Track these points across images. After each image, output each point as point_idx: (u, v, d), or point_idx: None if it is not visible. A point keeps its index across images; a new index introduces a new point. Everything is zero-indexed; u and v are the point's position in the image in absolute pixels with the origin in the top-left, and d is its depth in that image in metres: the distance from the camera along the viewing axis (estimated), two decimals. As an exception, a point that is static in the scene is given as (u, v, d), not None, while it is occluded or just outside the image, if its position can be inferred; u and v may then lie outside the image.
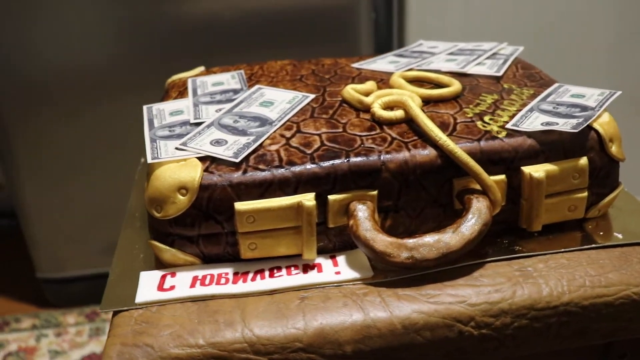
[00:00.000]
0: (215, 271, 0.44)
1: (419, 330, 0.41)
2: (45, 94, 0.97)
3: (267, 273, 0.44)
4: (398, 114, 0.48)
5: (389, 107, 0.49)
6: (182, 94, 0.56)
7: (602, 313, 0.42)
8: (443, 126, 0.47)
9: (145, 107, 0.53)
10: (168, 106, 0.53)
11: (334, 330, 0.40)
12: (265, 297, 0.43)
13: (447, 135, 0.46)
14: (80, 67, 0.96)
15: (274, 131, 0.47)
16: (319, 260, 0.45)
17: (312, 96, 0.52)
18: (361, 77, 0.57)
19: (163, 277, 0.44)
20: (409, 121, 0.48)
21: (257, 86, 0.54)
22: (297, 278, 0.43)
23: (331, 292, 0.43)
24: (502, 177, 0.45)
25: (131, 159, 0.90)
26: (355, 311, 0.41)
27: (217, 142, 0.46)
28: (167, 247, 0.44)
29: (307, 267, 0.44)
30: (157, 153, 0.45)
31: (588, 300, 0.42)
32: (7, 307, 1.12)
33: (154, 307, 0.42)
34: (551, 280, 0.43)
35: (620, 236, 0.46)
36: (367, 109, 0.49)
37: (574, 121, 0.46)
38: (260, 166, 0.43)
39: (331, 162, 0.43)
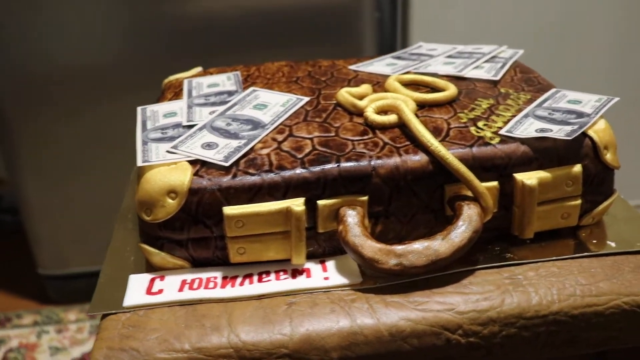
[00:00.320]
0: (204, 275, 0.44)
1: (406, 337, 0.40)
2: (47, 93, 0.98)
3: (255, 278, 0.44)
4: (391, 118, 0.47)
5: (382, 111, 0.49)
6: (177, 95, 0.56)
7: (592, 322, 0.42)
8: (436, 131, 0.46)
9: (139, 109, 0.53)
10: (162, 108, 0.53)
11: (320, 336, 0.40)
12: (253, 302, 0.42)
13: (440, 141, 0.45)
14: (82, 66, 0.96)
15: (266, 135, 0.47)
16: (309, 265, 0.45)
17: (306, 99, 0.52)
18: (357, 79, 0.56)
19: (152, 281, 0.44)
20: (402, 126, 0.47)
21: (251, 88, 0.54)
22: (285, 283, 0.43)
23: (319, 298, 0.42)
24: (495, 183, 0.45)
25: (133, 157, 0.90)
26: (343, 317, 0.41)
27: (208, 146, 0.45)
28: (157, 251, 0.44)
29: (296, 272, 0.44)
30: (148, 156, 0.45)
31: (578, 310, 0.42)
32: (9, 303, 1.13)
33: (142, 311, 0.42)
34: (541, 288, 0.42)
35: (613, 244, 0.46)
36: (360, 112, 0.49)
37: (569, 128, 0.45)
38: (250, 170, 0.43)
39: (321, 167, 0.43)
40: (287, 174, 0.43)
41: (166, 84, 0.60)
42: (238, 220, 0.42)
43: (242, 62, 0.60)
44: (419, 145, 0.45)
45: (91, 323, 1.09)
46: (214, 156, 0.44)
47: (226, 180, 0.43)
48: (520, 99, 0.51)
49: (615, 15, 1.06)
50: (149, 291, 0.43)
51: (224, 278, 0.44)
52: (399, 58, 0.62)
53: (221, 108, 0.51)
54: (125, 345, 0.40)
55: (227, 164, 0.43)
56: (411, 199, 0.44)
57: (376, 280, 0.43)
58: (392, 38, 1.03)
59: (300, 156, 0.44)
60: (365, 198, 0.44)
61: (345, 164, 0.43)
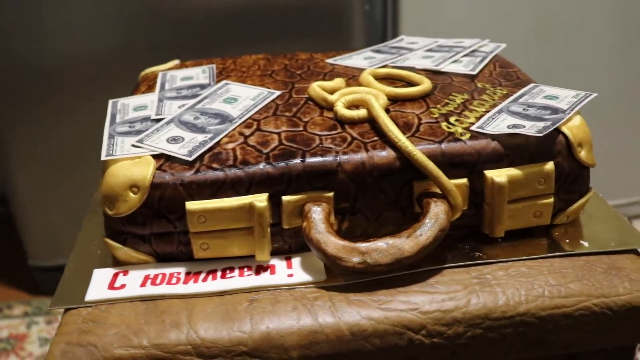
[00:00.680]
0: (168, 270, 0.44)
1: (367, 337, 0.40)
2: (39, 86, 0.97)
3: (219, 274, 0.43)
4: (361, 113, 0.46)
5: (353, 105, 0.48)
6: (151, 88, 0.55)
7: (561, 324, 0.41)
8: (406, 126, 0.46)
9: (110, 102, 0.52)
10: (133, 101, 0.52)
11: (280, 334, 0.39)
12: (215, 298, 0.42)
13: (409, 136, 0.44)
14: (73, 59, 0.96)
15: (233, 129, 0.46)
16: (274, 261, 0.44)
17: (277, 93, 0.51)
18: (333, 73, 0.56)
19: (115, 275, 0.44)
20: (372, 121, 0.46)
21: (223, 82, 0.53)
22: (248, 280, 0.42)
23: (282, 295, 0.42)
24: (464, 180, 0.44)
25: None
26: (304, 315, 0.40)
27: (174, 140, 0.45)
28: (120, 246, 0.44)
29: (260, 269, 0.43)
30: (112, 150, 0.44)
31: (546, 311, 0.41)
32: (0, 293, 1.13)
33: (104, 306, 0.42)
34: (509, 289, 0.42)
35: (586, 244, 0.45)
36: (331, 107, 0.48)
37: (541, 124, 0.44)
38: (214, 165, 0.43)
39: (285, 162, 0.42)
40: (250, 169, 0.42)
41: (142, 77, 0.59)
42: (200, 215, 0.42)
43: (229, 56, 0.59)
44: (387, 141, 0.44)
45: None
46: (178, 150, 0.43)
47: (189, 175, 0.42)
48: (496, 94, 0.50)
49: (614, 8, 1.04)
50: (111, 286, 0.43)
51: (188, 274, 0.43)
52: (378, 51, 0.60)
53: (191, 102, 0.50)
54: (84, 341, 0.39)
55: (190, 159, 0.43)
56: (378, 195, 0.44)
57: (341, 278, 0.42)
58: (382, 31, 1.02)
59: (265, 151, 0.44)
60: (330, 194, 0.43)
61: (310, 160, 0.43)
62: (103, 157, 0.44)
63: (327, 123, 0.46)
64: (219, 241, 0.43)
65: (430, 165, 0.42)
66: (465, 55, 0.57)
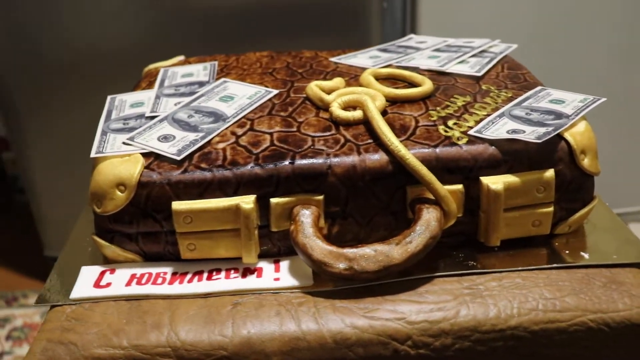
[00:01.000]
0: (155, 270, 0.43)
1: (350, 346, 0.39)
2: (58, 77, 0.98)
3: (205, 275, 0.42)
4: (356, 114, 0.45)
5: (350, 106, 0.47)
6: (152, 84, 0.55)
7: (554, 339, 0.39)
8: (402, 129, 0.44)
9: (109, 97, 0.52)
10: (131, 97, 0.52)
11: (261, 340, 0.39)
12: (199, 300, 0.41)
13: (404, 140, 0.43)
14: (93, 51, 0.96)
15: (226, 128, 0.45)
16: (262, 264, 0.43)
17: (275, 92, 0.50)
18: (336, 72, 0.54)
19: (102, 274, 0.43)
20: (368, 123, 0.45)
21: (222, 79, 0.52)
22: (234, 282, 0.42)
23: (266, 300, 0.41)
24: (459, 186, 0.42)
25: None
26: (288, 321, 0.39)
27: (165, 138, 0.44)
28: (107, 244, 0.43)
29: (247, 271, 0.43)
30: (103, 147, 0.44)
31: (538, 325, 0.39)
32: (17, 282, 1.15)
33: (88, 304, 0.42)
34: (501, 300, 0.40)
35: (586, 256, 0.43)
36: (327, 107, 0.47)
37: (542, 130, 0.42)
38: (202, 165, 0.42)
39: (274, 163, 0.41)
40: (239, 170, 0.41)
41: (145, 72, 0.59)
42: (186, 215, 0.41)
43: (245, 52, 0.59)
44: (381, 144, 0.43)
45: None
46: (167, 149, 0.43)
47: (176, 174, 0.41)
48: (500, 96, 0.48)
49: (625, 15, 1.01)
50: (96, 284, 0.43)
51: (174, 274, 0.43)
52: (384, 51, 0.59)
53: (187, 99, 0.49)
54: (65, 339, 0.39)
55: (178, 158, 0.42)
56: (370, 199, 0.42)
57: (329, 284, 0.41)
58: (401, 29, 1.00)
59: (256, 152, 0.43)
60: (320, 197, 0.42)
61: (300, 162, 0.42)
62: (92, 154, 0.43)
63: (322, 124, 0.45)
64: (206, 242, 0.42)
65: (423, 170, 0.41)
66: (473, 55, 0.56)
